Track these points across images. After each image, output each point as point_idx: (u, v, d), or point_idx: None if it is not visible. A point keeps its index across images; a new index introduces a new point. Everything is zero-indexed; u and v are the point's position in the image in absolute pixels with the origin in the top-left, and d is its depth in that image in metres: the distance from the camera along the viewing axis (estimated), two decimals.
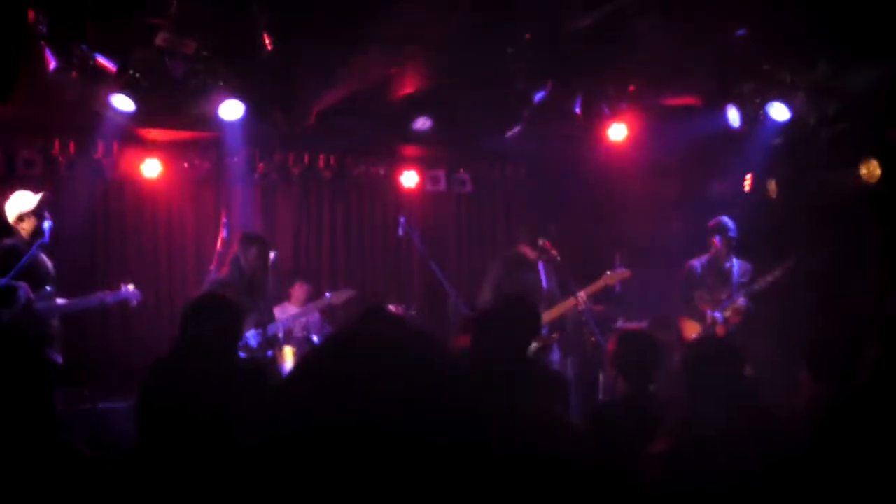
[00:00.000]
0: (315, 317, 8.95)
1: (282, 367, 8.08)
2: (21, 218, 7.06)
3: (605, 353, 5.08)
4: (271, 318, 7.97)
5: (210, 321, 4.76)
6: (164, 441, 4.20)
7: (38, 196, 7.11)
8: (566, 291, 8.23)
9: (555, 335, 8.10)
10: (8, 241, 7.03)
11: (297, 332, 8.52)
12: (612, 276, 8.36)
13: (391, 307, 8.83)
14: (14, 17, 6.14)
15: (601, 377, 8.20)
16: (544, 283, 8.36)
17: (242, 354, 7.38)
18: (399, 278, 10.59)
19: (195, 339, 4.74)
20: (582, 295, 8.17)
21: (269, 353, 7.86)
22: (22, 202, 7.09)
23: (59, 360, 7.07)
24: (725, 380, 4.48)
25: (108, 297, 7.60)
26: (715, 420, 4.29)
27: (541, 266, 8.37)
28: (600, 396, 8.20)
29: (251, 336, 7.76)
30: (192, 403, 4.11)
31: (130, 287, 7.71)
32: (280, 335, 8.32)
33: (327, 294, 8.69)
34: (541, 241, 8.24)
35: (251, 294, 7.74)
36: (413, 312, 9.11)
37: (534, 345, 7.83)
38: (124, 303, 7.72)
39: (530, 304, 5.46)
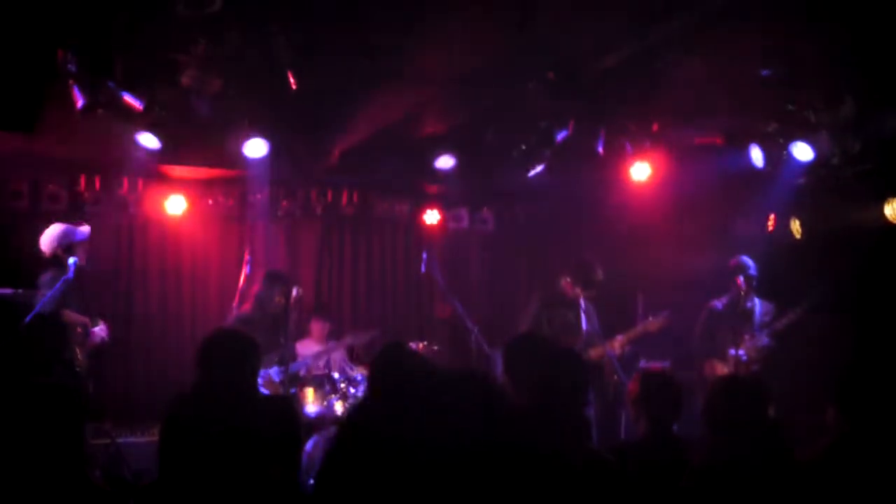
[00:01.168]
0: (338, 355, 8.94)
1: (303, 405, 8.06)
2: (68, 248, 7.41)
3: (628, 392, 5.02)
4: (294, 356, 7.98)
5: (225, 357, 4.77)
6: (185, 474, 4.20)
7: (84, 229, 7.32)
8: (606, 334, 8.22)
9: None
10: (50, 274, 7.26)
11: (318, 370, 8.49)
12: (654, 323, 8.32)
13: (413, 344, 8.82)
14: (42, 54, 6.24)
15: (623, 417, 8.15)
16: (584, 324, 8.32)
17: (265, 391, 7.39)
18: (421, 315, 10.58)
19: (212, 376, 4.74)
20: (622, 339, 8.17)
21: (293, 390, 7.87)
22: (69, 234, 7.47)
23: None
24: (749, 419, 4.46)
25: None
26: (737, 459, 4.27)
27: (582, 305, 8.33)
28: (622, 436, 8.15)
29: (274, 373, 7.77)
30: (213, 438, 4.12)
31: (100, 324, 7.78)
32: (302, 373, 8.33)
33: (350, 335, 8.69)
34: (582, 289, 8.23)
35: (274, 331, 7.77)
36: (435, 349, 9.07)
37: None
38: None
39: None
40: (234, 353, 4.79)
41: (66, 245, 7.45)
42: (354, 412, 4.94)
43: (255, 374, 4.95)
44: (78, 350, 7.41)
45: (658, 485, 4.47)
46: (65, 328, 7.25)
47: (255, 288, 8.20)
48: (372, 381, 4.88)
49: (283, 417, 4.87)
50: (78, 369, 7.36)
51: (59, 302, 7.20)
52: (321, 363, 8.53)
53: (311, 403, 8.13)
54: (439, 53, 6.51)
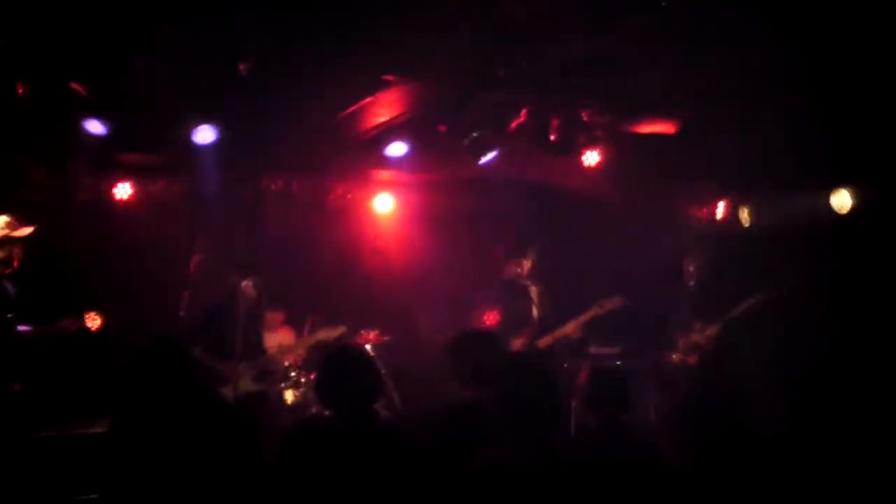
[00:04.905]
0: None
1: (275, 401, 8.00)
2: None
3: (576, 387, 5.05)
4: (263, 350, 7.92)
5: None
6: None
7: (22, 228, 7.02)
8: (559, 319, 8.22)
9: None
10: None
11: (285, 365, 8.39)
12: (605, 305, 8.32)
13: (369, 333, 8.80)
14: None
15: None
16: (534, 311, 8.34)
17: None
18: (375, 303, 10.54)
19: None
20: (573, 324, 8.18)
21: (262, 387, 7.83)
22: (3, 228, 6.98)
23: (17, 387, 6.96)
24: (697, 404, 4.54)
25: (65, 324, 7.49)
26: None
27: (532, 291, 8.34)
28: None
29: (245, 369, 7.70)
30: None
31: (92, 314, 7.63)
32: (271, 369, 8.21)
33: (322, 330, 8.54)
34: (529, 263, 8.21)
35: (246, 324, 7.68)
36: (388, 338, 9.05)
37: None
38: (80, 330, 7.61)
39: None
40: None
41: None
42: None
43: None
44: None
45: (611, 478, 4.51)
46: None
47: (227, 281, 8.08)
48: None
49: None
50: None
51: None
52: (289, 359, 8.41)
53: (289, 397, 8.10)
54: (395, 52, 6.50)
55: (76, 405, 7.97)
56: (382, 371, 8.18)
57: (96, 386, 8.24)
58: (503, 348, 5.03)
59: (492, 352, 4.84)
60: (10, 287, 7.05)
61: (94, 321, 7.64)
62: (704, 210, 9.83)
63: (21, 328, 7.09)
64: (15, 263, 6.98)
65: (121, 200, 9.34)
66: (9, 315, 6.97)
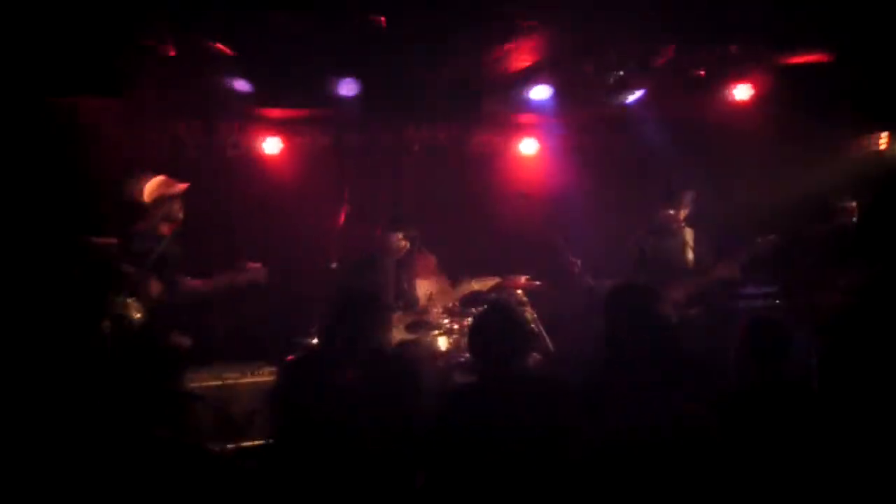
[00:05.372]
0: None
1: (430, 347, 8.07)
2: (157, 204, 7.11)
3: (737, 338, 4.91)
4: (416, 300, 7.96)
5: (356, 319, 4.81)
6: (302, 435, 4.27)
7: (177, 186, 7.16)
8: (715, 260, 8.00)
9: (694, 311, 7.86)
10: (139, 228, 7.11)
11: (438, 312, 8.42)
12: (761, 243, 8.00)
13: (520, 278, 8.74)
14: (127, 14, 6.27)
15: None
16: (689, 254, 8.15)
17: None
18: (522, 250, 10.47)
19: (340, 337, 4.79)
20: (729, 264, 7.93)
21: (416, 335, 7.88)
22: (160, 188, 7.12)
23: (188, 342, 7.15)
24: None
25: (237, 277, 7.62)
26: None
27: (686, 232, 8.15)
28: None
29: (399, 318, 7.76)
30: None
31: (258, 265, 7.74)
32: (425, 317, 8.25)
33: (474, 280, 8.50)
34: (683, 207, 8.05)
35: (397, 274, 7.72)
36: (537, 283, 8.98)
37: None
38: (253, 281, 7.74)
39: None
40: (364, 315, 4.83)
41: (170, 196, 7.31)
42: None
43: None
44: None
45: (767, 431, 4.39)
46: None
47: (378, 231, 8.13)
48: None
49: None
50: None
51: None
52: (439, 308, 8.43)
53: (442, 343, 8.16)
54: None
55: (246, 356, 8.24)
56: (534, 316, 8.30)
57: (260, 337, 8.56)
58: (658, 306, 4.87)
59: (646, 310, 4.72)
60: (176, 248, 7.21)
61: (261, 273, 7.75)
62: (865, 142, 9.37)
63: (191, 283, 7.24)
64: (179, 219, 7.15)
65: (269, 155, 9.52)
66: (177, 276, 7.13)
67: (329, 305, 5.06)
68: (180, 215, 7.14)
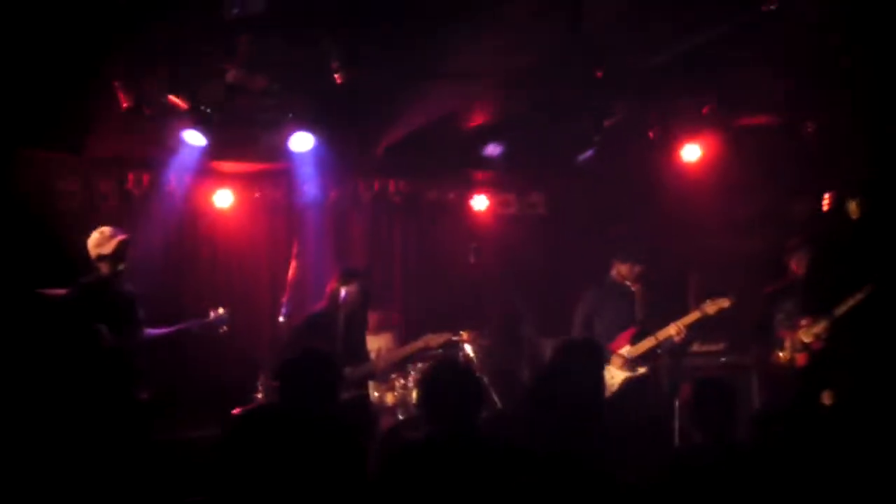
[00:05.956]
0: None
1: (376, 405, 8.06)
2: (100, 258, 7.10)
3: (681, 400, 4.93)
4: (367, 356, 7.89)
5: (308, 378, 4.75)
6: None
7: (117, 239, 7.12)
8: (664, 320, 7.97)
9: (642, 369, 7.87)
10: (84, 280, 7.07)
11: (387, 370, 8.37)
12: (712, 305, 8.03)
13: (465, 333, 8.72)
14: (85, 64, 6.26)
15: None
16: (637, 314, 8.14)
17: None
18: (471, 303, 10.48)
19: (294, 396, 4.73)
20: (679, 324, 7.90)
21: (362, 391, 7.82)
22: (101, 244, 7.11)
23: (145, 395, 7.09)
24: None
25: (195, 324, 7.57)
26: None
27: (636, 292, 8.13)
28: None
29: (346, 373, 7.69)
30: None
31: (220, 311, 7.69)
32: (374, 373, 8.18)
33: (427, 336, 8.42)
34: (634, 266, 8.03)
35: (348, 330, 7.66)
36: (486, 337, 8.97)
37: (623, 375, 7.71)
38: (212, 328, 7.67)
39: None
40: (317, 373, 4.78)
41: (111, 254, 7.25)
42: None
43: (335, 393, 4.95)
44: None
45: (715, 493, 4.40)
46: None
47: (330, 286, 8.08)
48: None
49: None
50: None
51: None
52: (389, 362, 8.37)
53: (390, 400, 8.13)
54: (485, 53, 6.44)
55: (193, 409, 8.19)
56: (482, 372, 8.28)
57: (213, 389, 8.47)
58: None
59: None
60: (131, 296, 7.19)
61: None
62: (810, 203, 9.53)
63: (148, 332, 7.22)
64: (122, 270, 7.10)
65: (220, 208, 9.49)
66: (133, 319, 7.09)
67: (278, 362, 4.98)
68: (122, 266, 7.09)
